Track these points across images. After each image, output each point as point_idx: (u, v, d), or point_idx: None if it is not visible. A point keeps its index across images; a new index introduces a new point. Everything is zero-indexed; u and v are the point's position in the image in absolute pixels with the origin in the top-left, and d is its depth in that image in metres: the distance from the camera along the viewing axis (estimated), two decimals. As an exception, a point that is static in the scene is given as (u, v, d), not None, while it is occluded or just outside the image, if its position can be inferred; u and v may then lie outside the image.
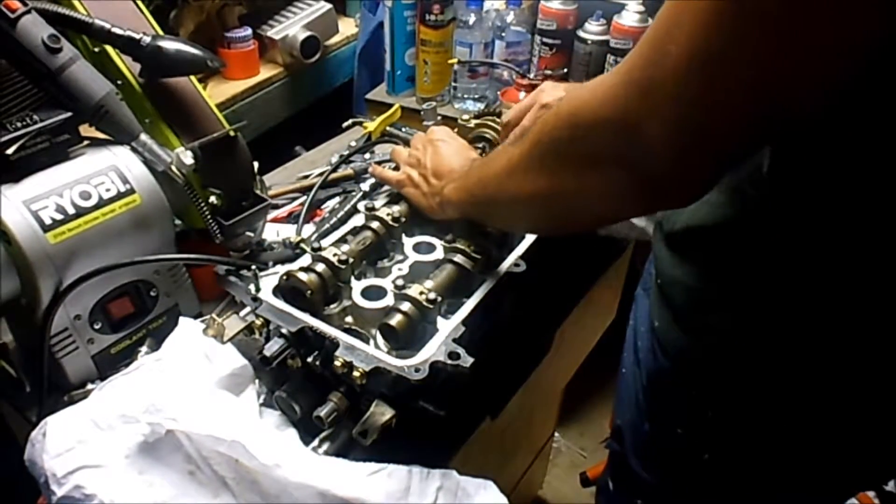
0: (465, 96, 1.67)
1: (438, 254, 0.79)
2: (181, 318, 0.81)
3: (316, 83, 1.86)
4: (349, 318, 0.72)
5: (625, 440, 0.86)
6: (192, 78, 0.88)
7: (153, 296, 0.83)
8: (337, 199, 1.13)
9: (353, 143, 1.24)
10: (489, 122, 0.99)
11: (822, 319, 0.58)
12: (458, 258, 0.74)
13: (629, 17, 1.50)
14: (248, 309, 0.71)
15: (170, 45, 0.81)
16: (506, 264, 0.76)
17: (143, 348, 0.82)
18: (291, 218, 1.06)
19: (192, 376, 0.73)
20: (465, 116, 0.99)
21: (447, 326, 0.68)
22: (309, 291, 0.70)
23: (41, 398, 0.76)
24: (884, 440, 0.66)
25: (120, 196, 0.77)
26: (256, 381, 0.74)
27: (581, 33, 1.58)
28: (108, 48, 0.82)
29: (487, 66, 1.65)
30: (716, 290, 0.64)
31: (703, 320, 0.66)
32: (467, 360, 0.63)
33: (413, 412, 0.68)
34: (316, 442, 0.70)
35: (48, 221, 0.71)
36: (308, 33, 1.70)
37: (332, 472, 0.64)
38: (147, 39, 0.79)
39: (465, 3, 1.60)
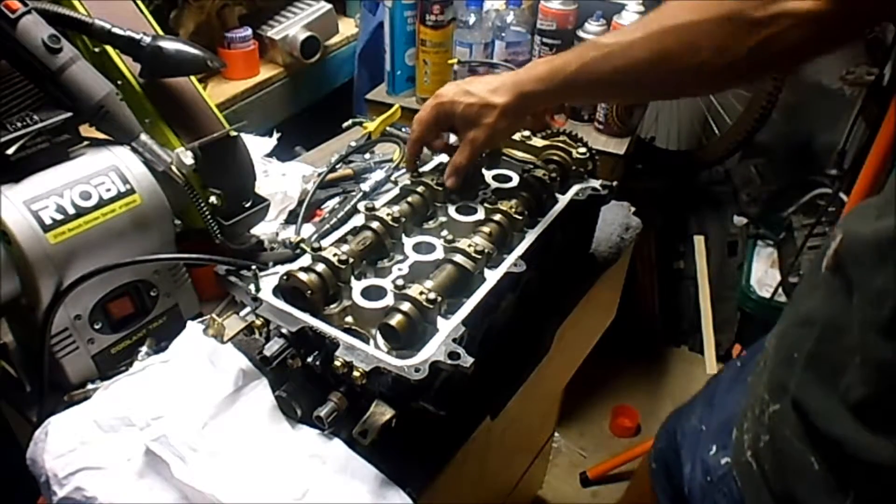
0: (465, 96, 1.67)
1: (438, 254, 0.79)
2: (189, 323, 0.81)
3: (316, 83, 1.86)
4: (349, 318, 0.72)
5: None
6: (192, 78, 0.88)
7: (153, 296, 0.83)
8: (337, 199, 1.13)
9: (353, 143, 1.24)
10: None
11: None
12: (458, 258, 0.74)
13: (629, 17, 1.50)
14: (248, 309, 0.71)
15: (170, 45, 0.81)
16: (506, 264, 0.76)
17: (143, 348, 0.82)
18: (291, 218, 1.06)
19: (199, 383, 0.73)
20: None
21: (447, 326, 0.68)
22: (309, 291, 0.70)
23: (41, 398, 0.76)
24: None
25: (120, 196, 0.77)
26: (265, 379, 0.75)
27: (581, 33, 1.58)
28: (109, 48, 0.82)
29: (487, 67, 1.64)
30: None
31: None
32: (467, 360, 0.63)
33: (413, 412, 0.68)
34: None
35: (48, 221, 0.71)
36: (308, 33, 1.70)
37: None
38: (147, 39, 0.79)
39: (465, 3, 1.60)
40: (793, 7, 0.59)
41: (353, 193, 1.10)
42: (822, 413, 0.55)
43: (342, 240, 0.80)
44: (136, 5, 0.87)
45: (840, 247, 0.58)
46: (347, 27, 1.92)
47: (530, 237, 0.82)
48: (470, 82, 0.85)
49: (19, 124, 0.73)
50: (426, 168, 0.94)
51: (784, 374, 0.62)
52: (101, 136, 0.80)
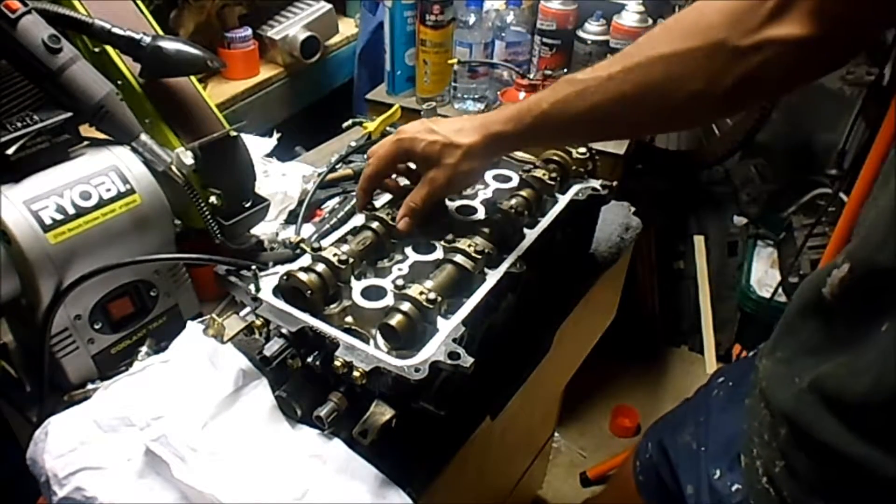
0: (465, 96, 1.67)
1: (438, 254, 0.79)
2: (189, 323, 0.81)
3: (316, 83, 1.86)
4: (349, 318, 0.72)
5: None
6: (192, 78, 0.88)
7: (153, 296, 0.83)
8: (337, 199, 1.13)
9: (353, 143, 1.24)
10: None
11: None
12: (458, 258, 0.74)
13: (629, 17, 1.51)
14: (248, 309, 0.71)
15: (170, 45, 0.81)
16: (506, 264, 0.76)
17: (143, 348, 0.82)
18: (291, 218, 1.06)
19: (199, 383, 0.73)
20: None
21: (447, 326, 0.68)
22: (309, 291, 0.70)
23: (41, 398, 0.76)
24: None
25: (120, 196, 0.77)
26: (265, 379, 0.74)
27: (581, 33, 1.58)
28: (109, 48, 0.82)
29: (487, 67, 1.64)
30: None
31: None
32: (467, 360, 0.63)
33: (413, 412, 0.68)
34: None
35: (48, 221, 0.71)
36: (308, 33, 1.70)
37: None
38: (147, 39, 0.79)
39: (465, 3, 1.60)
40: (777, 35, 0.56)
41: (353, 193, 1.10)
42: (838, 436, 0.55)
43: (342, 240, 0.80)
44: (136, 5, 0.87)
45: (848, 276, 0.57)
46: (347, 27, 1.92)
47: (530, 237, 0.82)
48: (436, 121, 0.80)
49: (19, 124, 0.73)
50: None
51: (788, 400, 0.61)
52: (101, 136, 0.80)
